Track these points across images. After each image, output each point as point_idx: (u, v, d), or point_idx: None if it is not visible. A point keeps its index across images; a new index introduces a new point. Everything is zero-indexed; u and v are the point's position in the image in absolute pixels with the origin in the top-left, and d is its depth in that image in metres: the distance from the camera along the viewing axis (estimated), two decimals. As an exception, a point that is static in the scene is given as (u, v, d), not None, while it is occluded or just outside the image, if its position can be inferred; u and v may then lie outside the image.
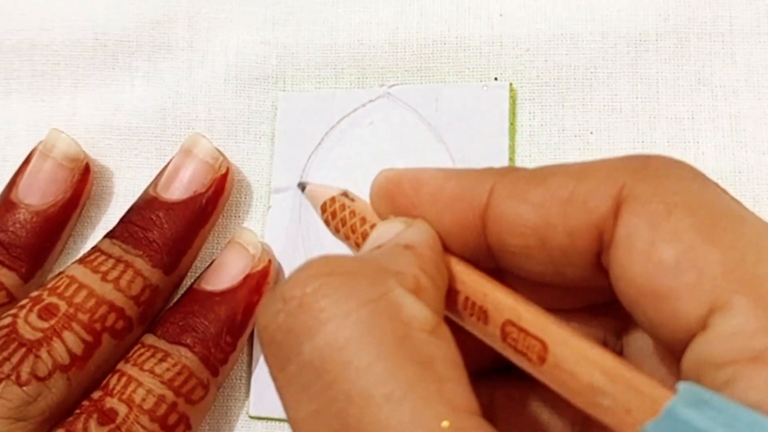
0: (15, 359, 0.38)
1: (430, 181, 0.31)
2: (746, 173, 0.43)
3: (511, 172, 0.30)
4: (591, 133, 0.44)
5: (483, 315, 0.29)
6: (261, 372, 0.44)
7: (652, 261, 0.26)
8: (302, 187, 0.40)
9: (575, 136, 0.44)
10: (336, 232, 0.36)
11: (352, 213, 0.35)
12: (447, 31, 0.46)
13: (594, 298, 0.31)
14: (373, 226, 0.33)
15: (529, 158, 0.44)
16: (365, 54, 0.47)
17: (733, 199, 0.27)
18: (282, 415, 0.42)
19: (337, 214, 0.36)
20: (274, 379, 0.26)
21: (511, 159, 0.43)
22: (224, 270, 0.43)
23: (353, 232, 0.35)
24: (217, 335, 0.41)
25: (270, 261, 0.43)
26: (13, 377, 0.38)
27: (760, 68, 0.44)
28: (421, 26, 0.46)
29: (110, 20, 0.49)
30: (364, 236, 0.34)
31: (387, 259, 0.28)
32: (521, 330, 0.28)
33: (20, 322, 0.39)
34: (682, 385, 0.24)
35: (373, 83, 0.46)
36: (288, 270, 0.45)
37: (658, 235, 0.26)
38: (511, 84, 0.44)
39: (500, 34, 0.46)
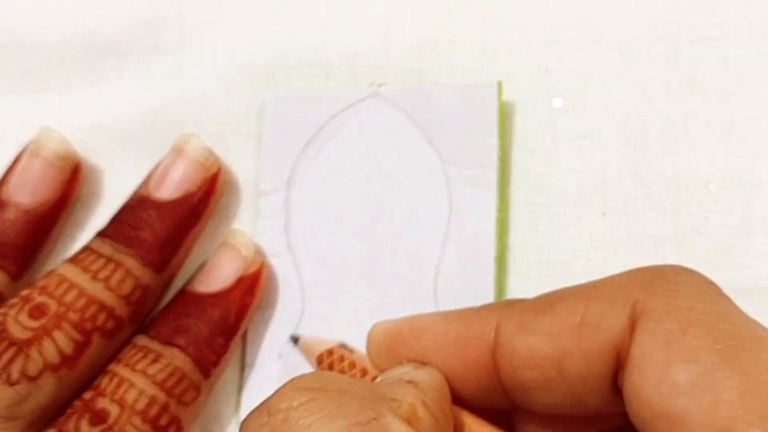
0: (5, 358, 0.38)
1: (431, 327, 0.30)
2: (738, 178, 0.43)
3: (513, 304, 0.30)
4: (584, 137, 0.45)
5: None
6: (253, 378, 0.44)
7: (666, 383, 0.25)
8: (294, 340, 0.40)
9: (568, 141, 0.45)
10: None
11: (352, 364, 0.35)
12: (439, 33, 0.47)
13: (606, 426, 0.30)
14: (374, 379, 0.32)
15: (522, 162, 0.45)
16: (356, 54, 0.47)
17: (748, 316, 0.27)
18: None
19: (334, 366, 0.36)
20: None
21: (501, 158, 0.44)
22: (217, 271, 0.43)
23: None
24: (210, 337, 0.42)
25: (263, 263, 0.44)
26: (3, 377, 0.38)
27: (752, 73, 0.44)
28: (414, 29, 0.47)
29: (100, 20, 0.49)
30: None
31: (384, 388, 0.27)
32: None
33: (10, 320, 0.39)
34: None
35: (364, 84, 0.47)
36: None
37: (673, 356, 0.25)
38: (500, 83, 0.44)
39: (493, 39, 0.46)
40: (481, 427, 0.30)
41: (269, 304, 0.45)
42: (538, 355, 0.28)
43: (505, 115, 0.45)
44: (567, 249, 0.44)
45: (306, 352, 0.39)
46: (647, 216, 0.44)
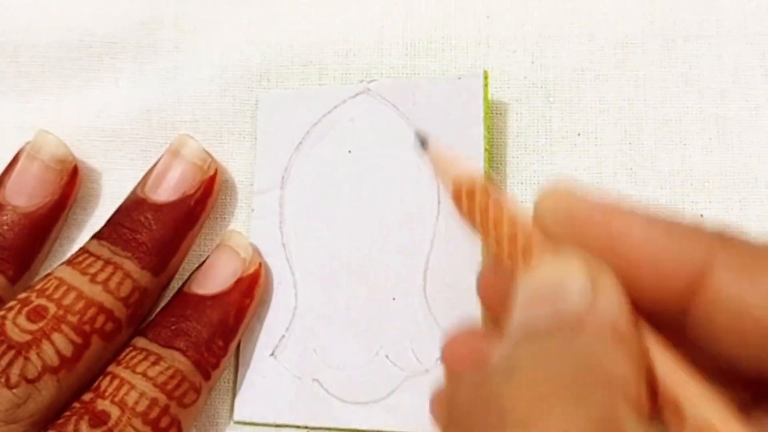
0: (4, 361, 0.39)
1: (631, 223, 0.27)
2: (733, 175, 0.44)
3: (733, 242, 0.27)
4: (578, 134, 0.45)
5: (675, 411, 0.26)
6: (246, 377, 0.45)
7: None
8: (422, 141, 0.32)
9: (562, 138, 0.45)
10: (468, 216, 0.30)
11: (498, 205, 0.30)
12: (433, 31, 0.47)
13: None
14: (528, 238, 0.29)
15: (516, 159, 0.45)
16: (349, 51, 0.47)
17: None
18: (266, 420, 0.43)
19: (475, 197, 0.30)
20: None
21: (487, 149, 0.43)
22: (215, 273, 0.43)
23: (495, 228, 0.29)
24: (210, 340, 0.42)
25: (261, 264, 0.44)
26: (2, 380, 0.38)
27: (747, 70, 0.45)
28: (407, 26, 0.47)
29: (96, 21, 0.50)
30: (511, 240, 0.29)
31: (607, 362, 0.25)
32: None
33: (8, 324, 0.40)
34: None
35: (359, 80, 0.47)
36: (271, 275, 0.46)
37: None
38: (486, 72, 0.44)
39: (487, 35, 0.47)
40: (663, 355, 0.27)
41: (262, 301, 0.45)
42: (750, 310, 0.26)
43: (499, 112, 0.45)
44: (562, 246, 0.44)
45: (436, 164, 0.32)
46: None
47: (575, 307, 0.26)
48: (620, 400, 0.24)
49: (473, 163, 0.43)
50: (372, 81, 0.46)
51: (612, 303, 0.26)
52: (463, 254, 0.43)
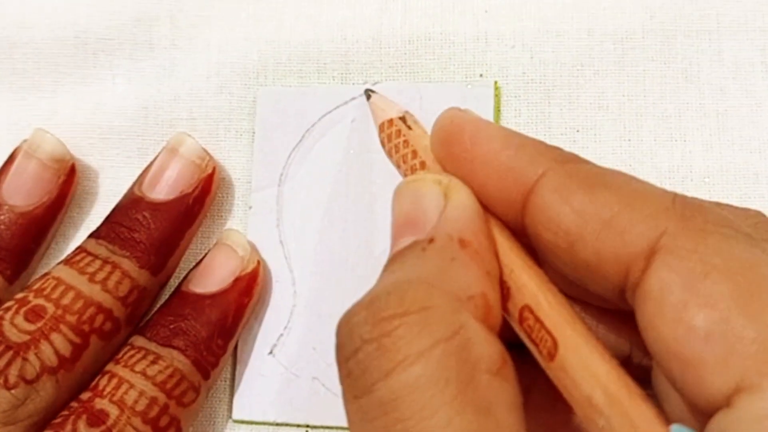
0: (2, 362, 0.39)
1: (489, 140, 0.31)
2: (733, 172, 0.44)
3: (569, 162, 0.30)
4: (577, 130, 0.45)
5: (506, 290, 0.30)
6: (244, 375, 0.45)
7: (681, 324, 0.25)
8: (368, 95, 0.40)
9: (561, 134, 0.45)
10: (389, 156, 0.37)
11: (406, 143, 0.35)
12: (431, 27, 0.47)
13: (628, 307, 0.30)
14: (422, 164, 0.34)
15: (515, 157, 0.45)
16: (348, 49, 0.47)
17: None
18: (265, 418, 0.43)
19: (392, 139, 0.36)
20: (346, 404, 0.28)
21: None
22: (213, 272, 0.43)
23: (404, 162, 0.35)
24: (209, 339, 0.42)
25: (259, 262, 0.44)
26: (0, 380, 0.38)
27: (747, 65, 0.45)
28: (405, 22, 0.47)
29: (91, 18, 0.50)
30: (413, 170, 0.34)
31: (452, 275, 0.28)
32: (537, 320, 0.29)
33: (6, 324, 0.40)
34: (675, 428, 0.24)
35: (357, 79, 0.47)
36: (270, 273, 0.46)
37: (691, 298, 0.25)
38: (495, 82, 0.45)
39: (485, 31, 0.47)
40: (504, 242, 0.31)
41: (260, 299, 0.45)
42: (559, 224, 0.29)
43: (497, 109, 0.45)
44: (562, 243, 0.44)
45: (373, 112, 0.39)
46: None
47: (427, 222, 0.30)
48: (464, 313, 0.27)
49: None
50: (376, 83, 0.46)
51: (459, 213, 0.30)
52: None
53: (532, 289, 0.29)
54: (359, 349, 0.27)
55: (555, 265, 0.30)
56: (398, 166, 0.36)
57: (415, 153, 0.35)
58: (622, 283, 0.28)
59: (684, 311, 0.25)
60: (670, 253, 0.26)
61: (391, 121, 0.37)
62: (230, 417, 0.45)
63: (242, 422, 0.45)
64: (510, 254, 0.30)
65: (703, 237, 0.26)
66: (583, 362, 0.27)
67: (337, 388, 0.43)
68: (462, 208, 0.30)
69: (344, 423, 0.43)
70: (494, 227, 0.31)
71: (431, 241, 0.30)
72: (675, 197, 0.28)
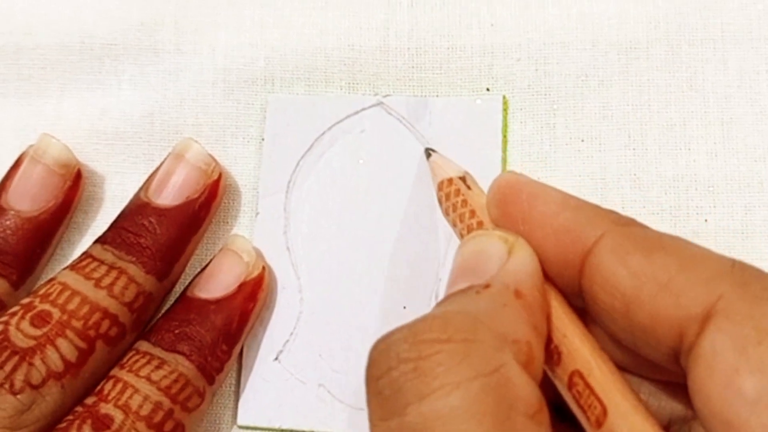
0: (8, 367, 0.39)
1: (547, 202, 0.32)
2: (738, 180, 0.44)
3: (626, 225, 0.31)
4: (582, 140, 0.45)
5: (557, 355, 0.30)
6: (250, 381, 0.45)
7: (731, 389, 0.25)
8: (428, 154, 0.41)
9: (566, 144, 0.46)
10: (446, 214, 0.37)
11: (464, 202, 0.36)
12: (438, 39, 0.47)
13: (672, 376, 0.31)
14: (480, 224, 0.35)
15: (520, 167, 0.45)
16: (356, 59, 0.48)
17: None
18: (270, 424, 0.44)
19: (450, 197, 0.37)
20: (372, 425, 0.28)
21: (503, 171, 0.45)
22: (218, 277, 0.44)
23: (461, 221, 0.36)
24: (213, 344, 0.42)
25: (264, 268, 0.44)
26: (6, 386, 0.38)
27: (752, 74, 0.45)
28: (413, 34, 0.48)
29: (96, 24, 0.50)
30: (470, 229, 0.35)
31: (501, 319, 0.29)
32: (587, 386, 0.29)
33: (12, 329, 0.40)
34: None
35: (364, 88, 0.48)
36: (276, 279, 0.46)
37: (743, 363, 0.25)
38: (504, 97, 0.45)
39: (491, 44, 0.47)
40: (558, 307, 0.31)
41: (267, 305, 0.46)
42: (616, 286, 0.29)
43: (508, 126, 0.46)
44: (565, 253, 0.45)
45: (432, 170, 0.40)
46: (646, 218, 0.43)
47: (487, 272, 0.31)
48: (507, 353, 0.27)
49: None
50: (387, 95, 0.47)
51: (519, 268, 0.31)
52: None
53: (584, 354, 0.30)
54: (394, 368, 0.27)
55: (609, 328, 0.31)
56: (454, 225, 0.37)
57: (473, 212, 0.36)
58: (676, 347, 0.28)
59: (735, 376, 0.25)
60: (725, 317, 0.27)
61: (450, 180, 0.38)
62: (235, 423, 0.45)
63: (247, 428, 0.45)
64: (564, 319, 0.31)
65: (760, 304, 0.27)
66: (631, 431, 0.27)
67: (343, 395, 0.44)
68: (523, 264, 0.31)
69: (349, 430, 0.43)
70: (550, 291, 0.32)
71: (487, 286, 0.30)
72: (734, 263, 0.28)
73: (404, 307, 0.44)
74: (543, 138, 0.46)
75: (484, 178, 0.43)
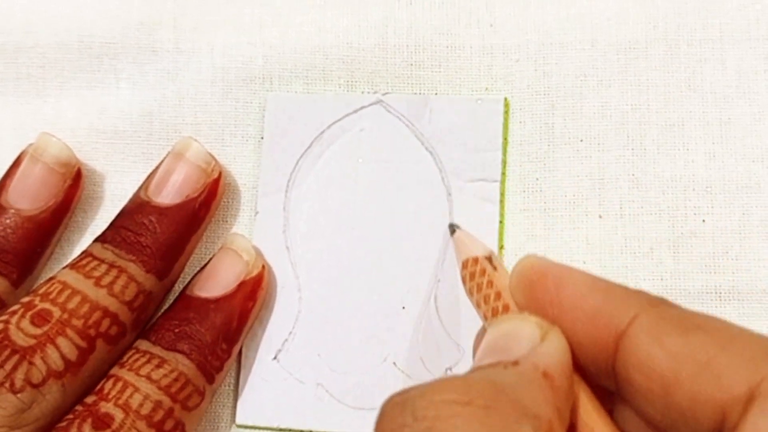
0: (8, 366, 0.39)
1: (575, 285, 0.32)
2: (736, 181, 0.44)
3: (660, 305, 0.31)
4: (581, 140, 0.46)
5: None
6: (248, 380, 0.45)
7: None
8: (452, 230, 0.41)
9: (565, 144, 0.46)
10: (470, 294, 0.37)
11: (490, 283, 0.36)
12: (437, 37, 0.48)
13: None
14: (506, 307, 0.34)
15: (519, 167, 0.46)
16: (354, 57, 0.48)
17: None
18: (269, 423, 0.44)
19: (475, 277, 0.37)
20: None
21: (503, 173, 0.45)
22: (218, 276, 0.44)
23: (485, 302, 0.36)
24: (213, 343, 0.43)
25: (264, 267, 0.45)
26: (6, 385, 0.39)
27: (750, 74, 0.45)
28: (411, 31, 0.48)
29: (95, 22, 0.50)
30: (495, 312, 0.35)
31: (525, 393, 0.28)
32: None
33: (12, 328, 0.40)
34: None
35: (363, 87, 0.48)
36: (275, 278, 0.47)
37: None
38: (506, 98, 0.46)
39: (491, 45, 0.47)
40: (586, 402, 0.31)
41: (265, 304, 0.46)
42: (653, 368, 0.29)
43: (508, 128, 0.46)
44: (563, 253, 0.45)
45: (457, 247, 0.40)
46: (644, 219, 0.45)
47: (517, 351, 0.31)
48: (526, 426, 0.27)
49: (491, 185, 0.45)
50: (386, 93, 0.47)
51: (551, 351, 0.31)
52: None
53: None
54: (408, 425, 0.27)
55: (644, 411, 0.30)
56: (478, 305, 0.37)
57: (498, 294, 0.36)
58: (717, 428, 0.28)
59: None
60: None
61: (476, 260, 0.38)
62: (234, 422, 0.45)
63: (245, 427, 0.45)
64: (593, 414, 0.31)
65: None
66: None
67: (341, 394, 0.44)
68: (556, 349, 0.31)
69: (347, 429, 0.44)
70: (580, 384, 0.32)
71: (515, 363, 0.30)
72: None
73: (403, 308, 0.45)
74: (542, 138, 0.46)
75: (484, 178, 0.44)
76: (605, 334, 0.31)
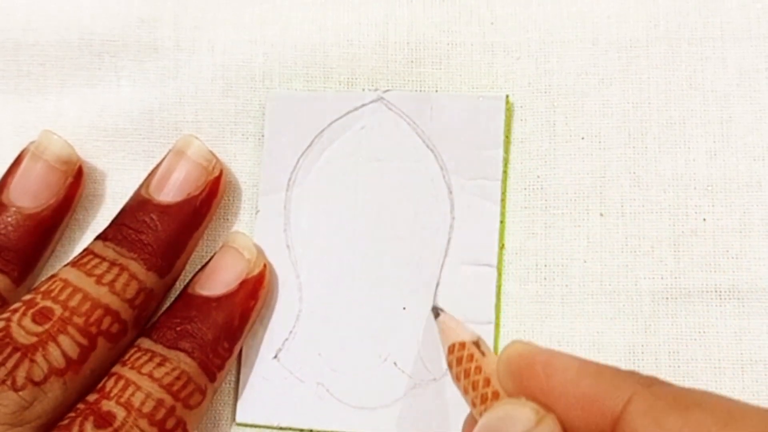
0: (10, 364, 0.39)
1: (565, 370, 0.32)
2: (737, 179, 0.45)
3: (652, 384, 0.31)
4: (582, 138, 0.46)
5: None
6: (249, 379, 0.46)
7: None
8: (436, 313, 0.40)
9: (566, 142, 0.46)
10: (456, 379, 0.36)
11: (478, 369, 0.36)
12: (438, 34, 0.48)
13: None
14: (495, 394, 0.34)
15: (520, 165, 0.46)
16: (355, 54, 0.48)
17: None
18: (269, 422, 0.44)
19: (462, 362, 0.36)
20: None
21: (505, 171, 0.45)
22: (220, 275, 0.44)
23: (474, 389, 0.35)
24: (215, 341, 0.43)
25: (265, 265, 0.45)
26: (8, 382, 0.39)
27: (751, 73, 0.46)
28: (412, 30, 0.48)
29: (96, 20, 0.50)
30: (484, 399, 0.34)
31: None
32: None
33: (14, 326, 0.40)
34: None
35: (364, 84, 0.48)
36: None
37: None
38: (507, 96, 0.46)
39: (492, 42, 0.48)
40: None
41: (266, 303, 0.46)
42: None
43: (510, 126, 0.46)
44: (564, 251, 0.46)
45: (442, 331, 0.39)
46: (645, 217, 0.45)
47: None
48: None
49: (492, 184, 0.45)
50: (387, 90, 0.47)
51: None
52: (477, 269, 0.45)
53: None
54: None
55: None
56: (466, 391, 0.36)
57: (488, 381, 0.35)
58: None
59: None
60: None
61: (463, 344, 0.37)
62: (234, 420, 0.46)
63: (246, 425, 0.46)
64: None
65: None
66: None
67: (341, 393, 0.44)
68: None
69: (348, 428, 0.44)
70: None
71: None
72: None
73: (404, 308, 0.45)
74: (543, 135, 0.46)
75: (485, 177, 0.44)
76: (600, 419, 0.30)
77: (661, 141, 0.46)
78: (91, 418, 0.40)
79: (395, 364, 0.44)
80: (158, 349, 0.42)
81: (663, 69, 0.46)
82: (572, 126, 0.46)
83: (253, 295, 0.44)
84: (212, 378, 0.43)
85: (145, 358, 0.42)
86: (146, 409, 0.40)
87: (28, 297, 0.42)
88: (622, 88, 0.46)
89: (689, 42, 0.46)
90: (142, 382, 0.41)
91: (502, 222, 0.45)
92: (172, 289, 0.47)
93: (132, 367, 0.42)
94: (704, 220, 0.45)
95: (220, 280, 0.44)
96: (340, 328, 0.45)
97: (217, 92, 0.49)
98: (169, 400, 0.41)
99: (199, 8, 0.50)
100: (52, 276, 0.43)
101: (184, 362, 0.42)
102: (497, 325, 0.44)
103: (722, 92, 0.46)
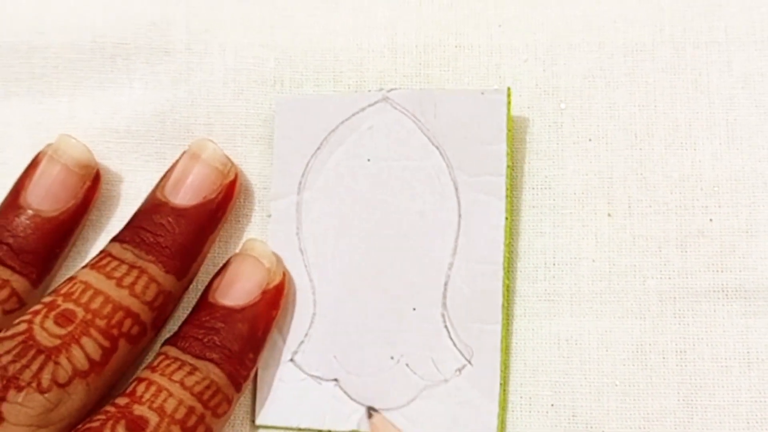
0: (35, 366, 0.40)
1: None
2: (743, 181, 0.46)
3: None
4: (589, 140, 0.47)
5: None
6: (266, 381, 0.46)
7: None
8: (369, 413, 0.43)
9: (574, 143, 0.47)
10: None
11: None
12: (446, 37, 0.49)
13: None
14: None
15: (528, 166, 0.47)
16: (364, 58, 0.49)
17: None
18: (288, 424, 0.45)
19: None
20: None
21: (509, 165, 0.46)
22: (241, 284, 0.45)
23: None
24: (242, 352, 0.43)
25: (284, 274, 0.46)
26: (34, 384, 0.39)
27: (756, 76, 0.47)
28: (420, 33, 0.49)
29: (108, 23, 0.51)
30: None
31: None
32: None
33: (36, 328, 0.41)
34: None
35: (372, 87, 0.49)
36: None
37: None
38: (509, 89, 0.46)
39: (499, 44, 0.48)
40: None
41: (281, 306, 0.46)
42: None
43: (512, 120, 0.47)
44: (572, 251, 0.46)
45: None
46: (652, 218, 0.46)
47: None
48: None
49: (496, 179, 0.45)
50: (392, 90, 0.47)
51: None
52: (484, 267, 0.45)
53: None
54: None
55: None
56: None
57: None
58: None
59: None
60: None
61: None
62: (251, 422, 0.46)
63: (264, 427, 0.46)
64: None
65: None
66: None
67: (357, 394, 0.45)
68: None
69: (364, 429, 0.45)
70: None
71: None
72: None
73: (414, 309, 0.45)
74: (550, 137, 0.47)
75: (490, 171, 0.45)
76: None
77: (668, 143, 0.46)
78: (123, 422, 0.40)
79: (407, 365, 0.45)
80: (187, 358, 0.43)
81: (668, 72, 0.47)
82: (579, 128, 0.47)
83: (274, 305, 0.45)
84: (238, 388, 0.44)
85: (175, 366, 0.42)
86: (179, 416, 0.41)
87: (48, 299, 0.43)
88: (628, 91, 0.47)
89: (694, 46, 0.47)
90: (174, 389, 0.41)
91: (507, 219, 0.45)
92: (188, 291, 0.47)
93: (162, 374, 0.42)
94: (711, 220, 0.45)
95: (241, 289, 0.45)
96: (353, 330, 0.46)
97: (228, 95, 0.50)
98: (199, 408, 0.42)
99: (210, 12, 0.51)
100: (72, 278, 0.44)
101: (213, 372, 0.42)
102: (504, 325, 0.45)
103: (727, 95, 0.47)
